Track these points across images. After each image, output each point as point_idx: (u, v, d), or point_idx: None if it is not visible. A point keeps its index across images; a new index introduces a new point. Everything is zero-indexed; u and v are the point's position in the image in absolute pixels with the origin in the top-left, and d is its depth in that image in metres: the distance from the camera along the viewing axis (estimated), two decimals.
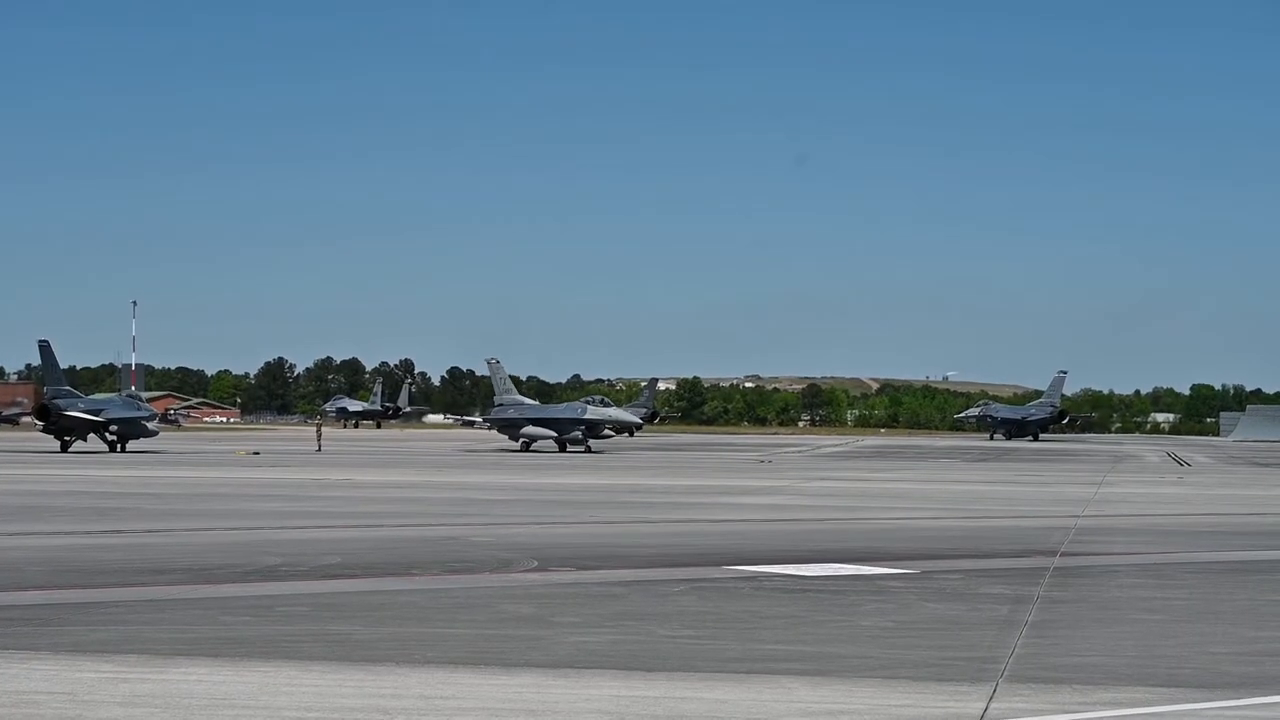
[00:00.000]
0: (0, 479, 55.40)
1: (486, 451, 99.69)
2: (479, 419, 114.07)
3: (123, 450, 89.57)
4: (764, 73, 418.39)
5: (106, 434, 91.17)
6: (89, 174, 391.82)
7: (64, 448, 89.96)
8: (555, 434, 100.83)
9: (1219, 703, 14.09)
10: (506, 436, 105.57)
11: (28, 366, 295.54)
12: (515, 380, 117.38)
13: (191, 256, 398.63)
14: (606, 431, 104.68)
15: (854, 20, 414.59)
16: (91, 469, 65.68)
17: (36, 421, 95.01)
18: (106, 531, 32.27)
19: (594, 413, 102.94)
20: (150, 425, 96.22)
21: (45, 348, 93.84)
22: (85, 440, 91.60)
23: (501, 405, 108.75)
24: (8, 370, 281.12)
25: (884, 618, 19.55)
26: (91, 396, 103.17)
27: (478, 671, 15.26)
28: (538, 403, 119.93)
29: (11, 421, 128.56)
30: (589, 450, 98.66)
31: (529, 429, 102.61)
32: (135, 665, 15.42)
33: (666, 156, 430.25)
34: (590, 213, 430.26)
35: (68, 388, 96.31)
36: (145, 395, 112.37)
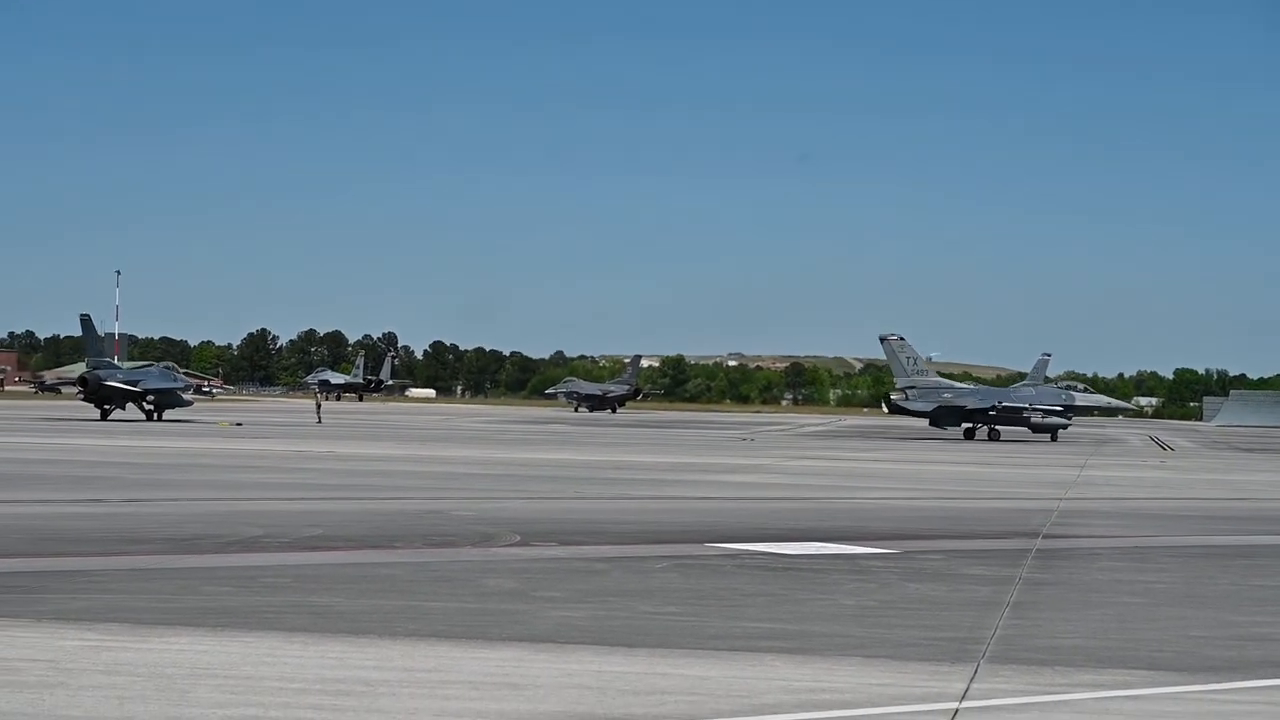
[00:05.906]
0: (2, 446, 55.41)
1: (488, 424, 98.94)
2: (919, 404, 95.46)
3: (159, 419, 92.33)
4: (749, 59, 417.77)
5: (144, 403, 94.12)
6: (75, 142, 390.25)
7: (103, 416, 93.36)
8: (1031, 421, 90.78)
9: (1200, 686, 14.14)
10: (933, 424, 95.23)
11: (10, 335, 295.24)
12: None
13: (176, 226, 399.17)
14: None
15: (855, 10, 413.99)
16: (79, 438, 65.54)
17: (79, 390, 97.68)
18: (88, 500, 32.22)
19: (1084, 398, 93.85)
20: (185, 395, 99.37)
21: (86, 321, 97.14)
22: (124, 409, 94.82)
23: (914, 387, 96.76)
24: None
25: (865, 597, 19.56)
26: (129, 367, 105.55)
27: (460, 645, 15.25)
28: (973, 385, 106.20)
29: None
30: (1054, 439, 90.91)
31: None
32: (117, 634, 15.40)
33: (654, 137, 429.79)
34: (575, 189, 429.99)
35: (108, 359, 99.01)
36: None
